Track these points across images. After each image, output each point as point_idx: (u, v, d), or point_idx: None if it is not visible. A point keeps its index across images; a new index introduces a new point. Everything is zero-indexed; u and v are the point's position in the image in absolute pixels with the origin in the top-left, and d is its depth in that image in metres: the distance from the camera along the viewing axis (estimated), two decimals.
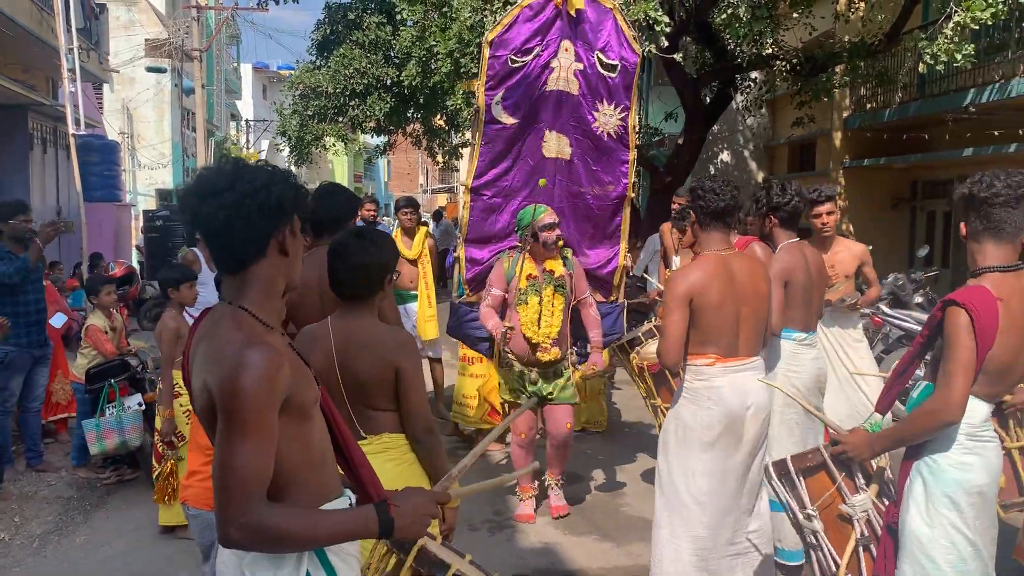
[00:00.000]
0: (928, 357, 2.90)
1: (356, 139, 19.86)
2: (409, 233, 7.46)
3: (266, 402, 1.76)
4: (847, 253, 5.50)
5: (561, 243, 5.08)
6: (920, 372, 3.05)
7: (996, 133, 11.13)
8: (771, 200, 4.42)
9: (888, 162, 13.76)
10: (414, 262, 7.39)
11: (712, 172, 18.48)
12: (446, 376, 7.76)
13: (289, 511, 1.82)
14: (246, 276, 1.92)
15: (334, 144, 18.28)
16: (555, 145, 5.34)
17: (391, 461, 2.88)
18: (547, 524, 5.27)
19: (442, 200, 57.89)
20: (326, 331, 2.94)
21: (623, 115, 5.33)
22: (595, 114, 5.30)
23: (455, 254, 5.55)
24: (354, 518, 1.91)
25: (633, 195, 5.54)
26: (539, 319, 5.05)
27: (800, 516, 3.11)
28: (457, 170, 34.98)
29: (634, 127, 5.42)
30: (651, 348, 5.24)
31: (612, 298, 5.66)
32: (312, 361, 2.21)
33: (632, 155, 5.40)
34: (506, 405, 5.48)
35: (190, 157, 30.65)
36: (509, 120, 5.22)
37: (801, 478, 3.16)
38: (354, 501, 2.11)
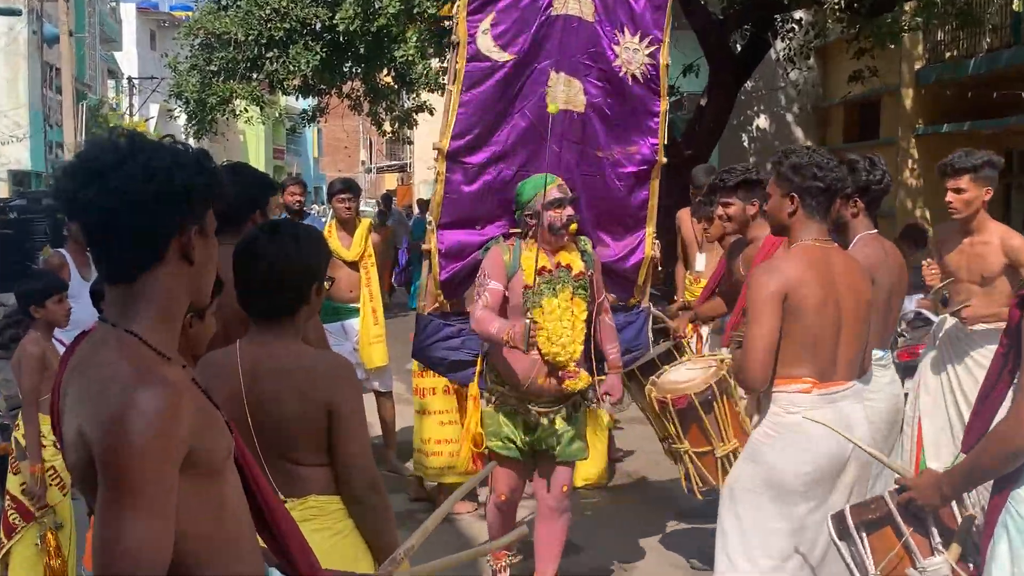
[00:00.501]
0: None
1: (276, 102, 19.84)
2: (347, 226, 7.49)
3: (162, 458, 1.74)
4: (989, 245, 5.38)
5: (574, 227, 4.84)
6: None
7: None
8: (858, 178, 4.49)
9: (973, 127, 13.91)
10: (354, 265, 7.38)
11: (745, 142, 18.66)
12: (399, 416, 7.76)
13: None
14: (137, 288, 1.89)
15: (246, 109, 18.19)
16: (563, 92, 5.13)
17: (321, 531, 2.85)
18: None
19: (391, 182, 57.91)
20: (232, 360, 2.91)
21: (652, 50, 5.22)
22: (616, 48, 5.17)
23: (426, 246, 5.20)
24: None
25: (665, 160, 5.46)
26: (561, 331, 4.76)
27: None
28: (410, 142, 34.94)
29: (666, 66, 5.31)
30: (675, 376, 5.23)
31: (634, 300, 5.54)
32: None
33: (664, 105, 5.31)
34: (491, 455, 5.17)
35: (54, 128, 30.37)
36: (501, 56, 5.01)
37: (863, 534, 3.19)
38: None
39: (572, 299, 4.79)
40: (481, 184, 5.13)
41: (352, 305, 7.42)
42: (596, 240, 5.29)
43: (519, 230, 4.99)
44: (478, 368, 5.13)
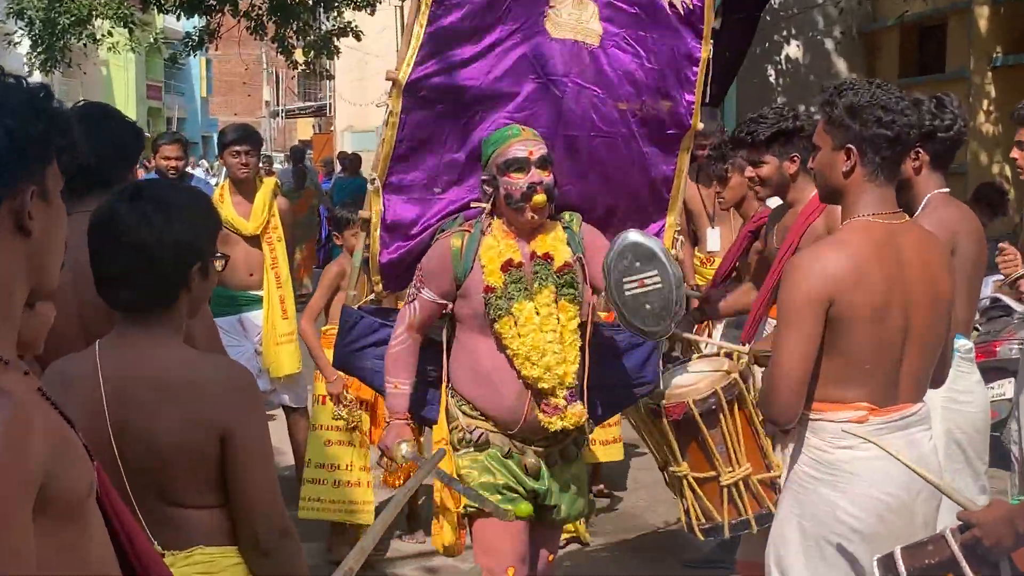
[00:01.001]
0: None
1: (150, 23, 19.68)
2: (245, 189, 7.49)
3: (8, 496, 1.73)
4: None
5: (541, 199, 4.48)
6: None
7: None
8: (921, 121, 4.48)
9: None
10: (255, 240, 7.37)
11: (772, 77, 18.73)
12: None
13: None
14: None
15: (110, 32, 18.07)
16: (572, 16, 4.92)
17: None
18: None
19: (305, 130, 57.77)
20: (89, 369, 2.88)
21: None
22: None
23: (364, 213, 4.96)
24: None
25: (701, 127, 5.33)
26: (542, 346, 4.51)
27: None
28: (330, 77, 34.93)
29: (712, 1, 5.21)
30: (679, 379, 5.25)
31: None
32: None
33: (706, 52, 5.15)
34: (467, 518, 4.83)
35: None
36: None
37: None
38: None
39: (556, 302, 4.57)
40: (449, 132, 4.94)
41: (253, 293, 7.42)
42: (605, 229, 4.97)
43: (484, 205, 4.73)
44: (443, 398, 4.80)
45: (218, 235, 3.07)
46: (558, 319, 4.55)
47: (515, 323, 4.49)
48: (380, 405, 6.63)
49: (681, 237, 5.46)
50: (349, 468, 6.73)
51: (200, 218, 2.99)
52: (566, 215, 4.81)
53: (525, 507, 4.57)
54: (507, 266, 4.52)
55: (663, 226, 5.21)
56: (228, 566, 2.89)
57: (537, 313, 4.51)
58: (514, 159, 4.50)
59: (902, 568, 3.20)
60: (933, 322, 3.65)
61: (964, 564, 3.14)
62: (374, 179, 4.92)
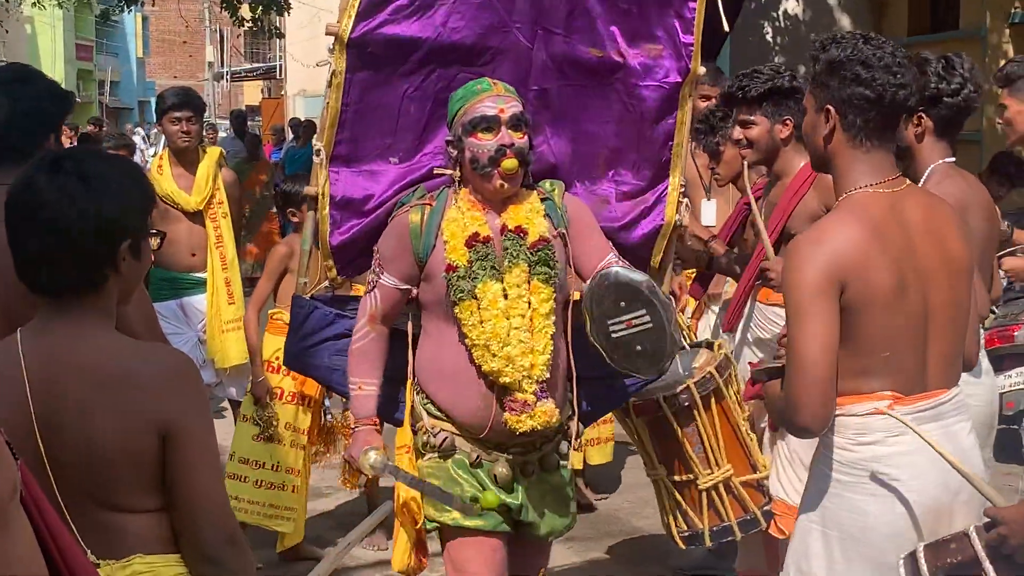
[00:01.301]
0: None
1: None
2: (186, 159, 7.49)
3: None
4: None
5: (512, 164, 4.28)
6: None
7: None
8: (926, 83, 4.49)
9: None
10: (199, 215, 7.35)
11: (769, 35, 18.77)
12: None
13: None
14: None
15: None
16: None
17: None
18: None
19: (253, 95, 57.53)
20: (11, 360, 2.85)
21: None
22: None
23: (311, 189, 4.81)
24: None
25: (703, 71, 4.99)
26: (506, 334, 4.31)
27: None
28: (280, 35, 34.94)
29: None
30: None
31: None
32: None
33: None
34: (433, 531, 4.60)
35: None
36: None
37: None
38: None
39: (528, 282, 4.37)
40: (404, 91, 4.74)
41: (196, 275, 7.43)
42: (588, 195, 4.86)
43: (449, 172, 4.54)
44: (408, 396, 4.62)
45: (152, 210, 3.03)
46: (529, 302, 4.34)
47: (478, 307, 4.30)
48: (315, 402, 6.74)
49: (686, 200, 4.94)
50: (275, 468, 6.68)
51: (129, 191, 2.93)
52: (547, 183, 4.62)
53: (491, 497, 4.35)
54: (472, 241, 4.33)
55: (665, 189, 4.89)
56: None
57: (505, 296, 4.31)
58: (482, 117, 4.29)
59: (924, 567, 3.21)
60: (953, 294, 3.56)
61: (988, 565, 3.14)
62: (319, 150, 4.73)
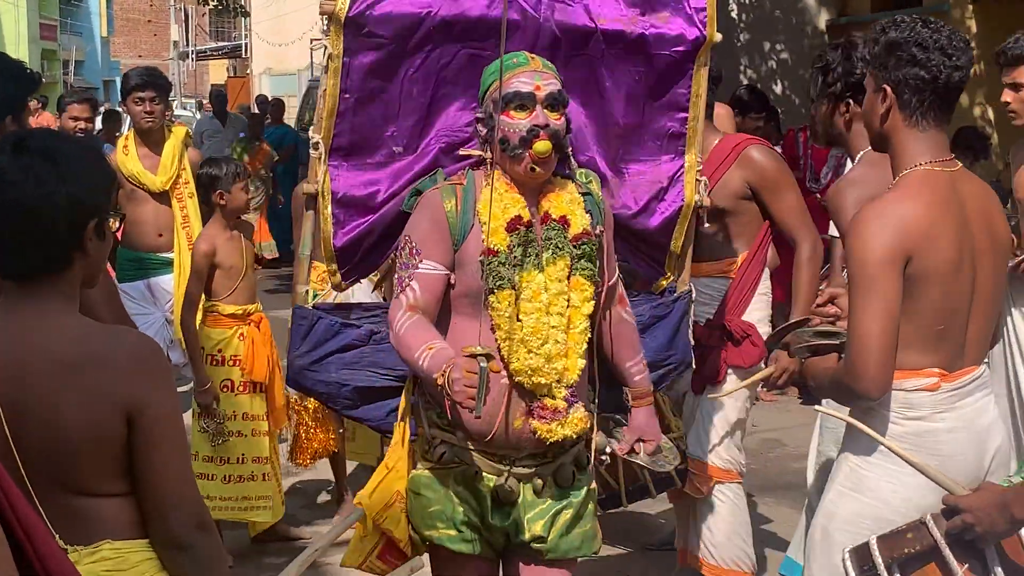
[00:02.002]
0: None
1: None
2: (151, 140, 7.51)
3: None
4: None
5: (546, 147, 3.92)
6: None
7: None
8: (850, 68, 4.47)
9: None
10: (165, 196, 7.30)
11: (733, 11, 18.76)
12: None
13: None
14: None
15: None
16: None
17: None
18: None
19: (219, 74, 57.39)
20: None
21: None
22: None
23: (309, 187, 4.45)
24: None
25: (719, 38, 4.67)
26: (546, 331, 3.95)
27: None
28: (246, 14, 34.67)
29: None
30: None
31: (666, 281, 4.85)
32: None
33: None
34: (425, 549, 4.30)
35: None
36: None
37: (897, 575, 3.24)
38: None
39: (569, 278, 4.01)
40: (405, 73, 4.39)
41: (163, 255, 7.46)
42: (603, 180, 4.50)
43: (477, 152, 4.19)
44: (403, 401, 4.28)
45: (115, 189, 3.04)
46: (570, 299, 3.98)
47: (516, 298, 3.91)
48: (275, 388, 6.68)
49: (705, 179, 4.67)
50: (241, 460, 6.60)
51: (93, 171, 2.92)
52: (582, 174, 4.22)
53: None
54: (514, 224, 3.94)
55: (680, 169, 4.62)
56: (138, 561, 2.84)
57: (546, 289, 3.94)
58: (515, 94, 3.92)
59: (879, 559, 3.21)
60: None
61: (948, 552, 3.15)
62: (316, 143, 4.37)
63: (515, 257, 3.89)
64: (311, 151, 4.39)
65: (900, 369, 3.50)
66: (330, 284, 4.63)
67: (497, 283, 3.86)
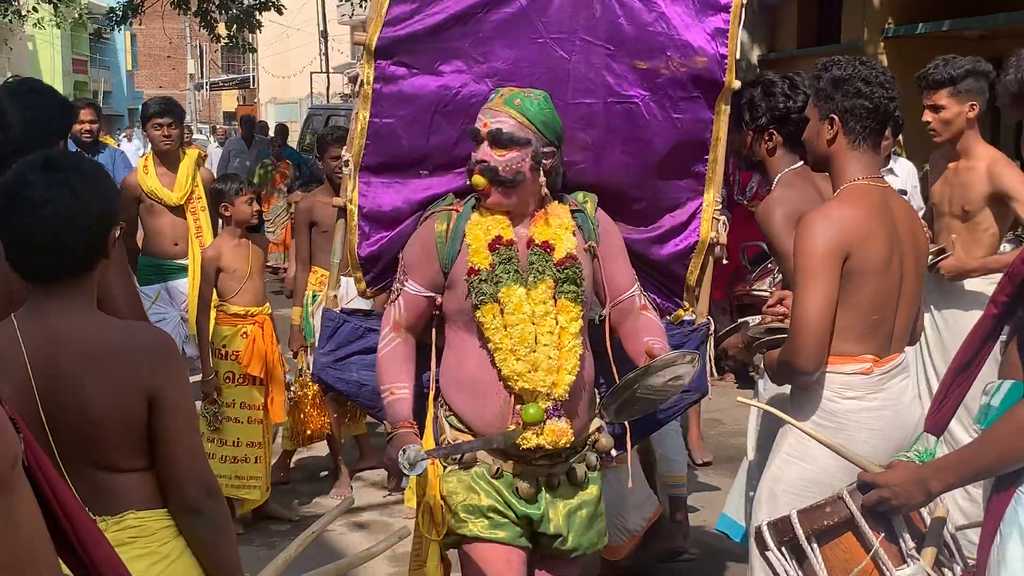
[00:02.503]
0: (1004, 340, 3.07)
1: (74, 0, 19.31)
2: (168, 160, 7.50)
3: None
4: (974, 171, 5.56)
5: (479, 182, 3.72)
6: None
7: None
8: (774, 104, 4.51)
9: (955, 28, 14.20)
10: (180, 209, 7.38)
11: None
12: None
13: None
14: None
15: (35, 8, 17.73)
16: None
17: (143, 558, 2.80)
18: None
19: (230, 102, 57.07)
20: (12, 342, 2.79)
21: None
22: None
23: (340, 200, 4.27)
24: None
25: (740, 83, 4.21)
26: (534, 341, 3.71)
27: None
28: (253, 49, 34.43)
29: None
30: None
31: (683, 313, 4.31)
32: None
33: None
34: (452, 546, 4.02)
35: None
36: None
37: (815, 545, 3.21)
38: None
39: (554, 299, 3.73)
40: (435, 105, 4.08)
41: (178, 262, 7.47)
42: (624, 215, 4.14)
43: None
44: (429, 408, 4.01)
45: (118, 205, 3.03)
46: (556, 320, 3.71)
47: (501, 312, 3.68)
48: (273, 379, 6.62)
49: (724, 217, 4.24)
50: (236, 444, 6.57)
51: (111, 185, 2.96)
52: (580, 195, 3.95)
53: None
54: (495, 244, 3.72)
55: (699, 206, 4.18)
56: (159, 529, 2.85)
57: (530, 302, 3.70)
58: (472, 129, 3.77)
59: (799, 531, 3.22)
60: (918, 276, 3.83)
61: (863, 523, 3.16)
62: (347, 160, 4.18)
63: (496, 275, 3.68)
64: (343, 168, 4.22)
65: (841, 355, 3.65)
66: (356, 289, 4.39)
67: (480, 299, 3.67)
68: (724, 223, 4.19)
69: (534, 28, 3.98)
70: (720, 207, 4.22)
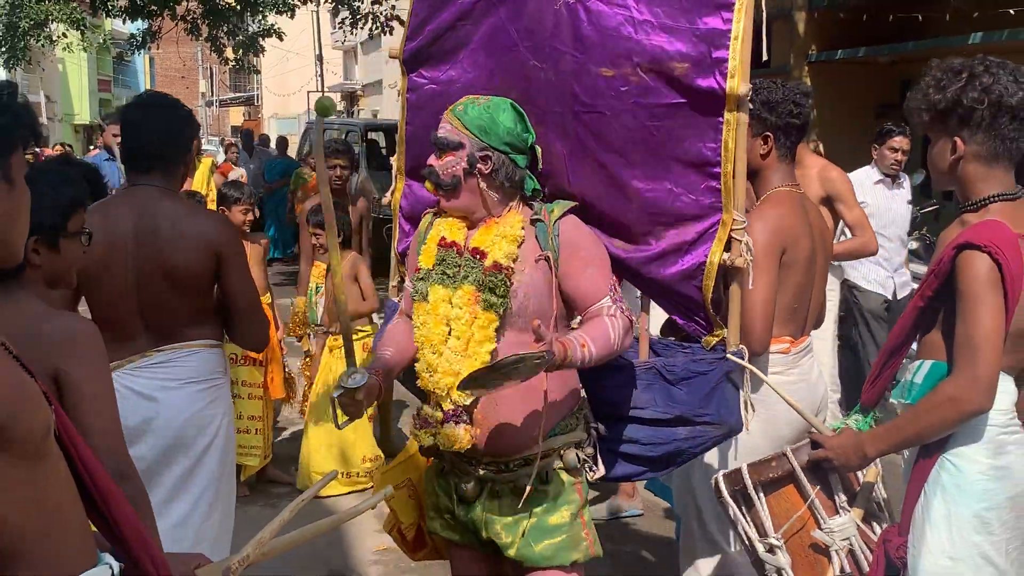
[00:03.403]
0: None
1: (99, 26, 19.14)
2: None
3: None
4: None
5: (428, 187, 3.38)
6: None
7: (1012, 12, 11.64)
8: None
9: (869, 54, 14.28)
10: None
11: None
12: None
13: None
14: None
15: (64, 34, 17.55)
16: None
17: None
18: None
19: (236, 117, 56.90)
20: None
21: None
22: None
23: (387, 198, 4.13)
24: None
25: (747, 90, 3.18)
26: (443, 343, 3.28)
27: (760, 548, 3.18)
28: (257, 71, 34.27)
29: None
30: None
31: (713, 339, 3.45)
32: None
33: None
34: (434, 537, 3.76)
35: None
36: None
37: (761, 494, 3.23)
38: (117, 572, 2.05)
39: (473, 306, 3.22)
40: (437, 111, 3.59)
41: None
42: (612, 229, 3.50)
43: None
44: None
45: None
46: (473, 323, 3.22)
47: (425, 310, 3.33)
48: (273, 360, 6.62)
49: (747, 240, 3.28)
50: (239, 417, 6.39)
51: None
52: (556, 204, 3.33)
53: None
54: (442, 244, 3.34)
55: (710, 226, 3.28)
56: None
57: (450, 303, 3.25)
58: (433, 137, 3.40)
59: (748, 481, 3.22)
60: (824, 270, 3.94)
61: (802, 476, 3.19)
62: (392, 165, 4.04)
63: (432, 273, 3.32)
64: (395, 173, 4.12)
65: (772, 336, 3.70)
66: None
67: (414, 296, 3.37)
68: (748, 245, 3.28)
69: (510, 37, 3.57)
70: (741, 225, 3.27)
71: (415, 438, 3.37)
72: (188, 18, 18.69)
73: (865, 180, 7.33)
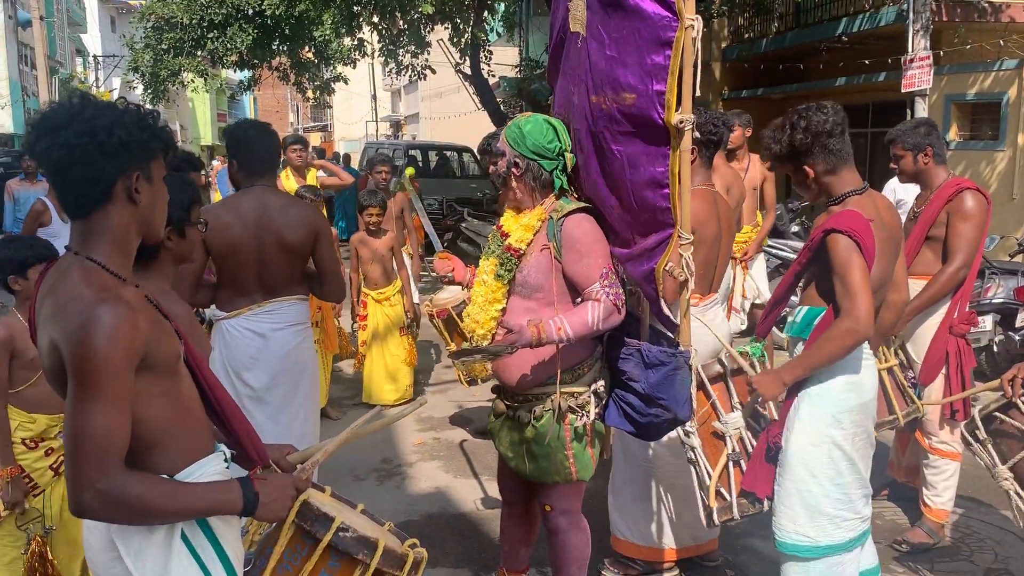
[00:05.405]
0: (803, 283, 3.11)
1: (217, 75, 19.01)
2: (300, 172, 7.60)
3: (120, 364, 1.70)
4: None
5: (496, 176, 3.16)
6: (795, 298, 3.21)
7: (866, 62, 11.63)
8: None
9: (765, 93, 14.23)
10: None
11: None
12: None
13: (150, 481, 1.77)
14: (92, 223, 1.82)
15: (192, 80, 17.45)
16: (576, 4, 3.03)
17: None
18: (437, 468, 5.28)
19: (315, 139, 56.57)
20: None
21: None
22: None
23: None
24: (217, 493, 1.85)
25: (676, 120, 2.59)
26: (480, 296, 3.18)
27: (680, 433, 3.16)
28: (330, 106, 33.75)
29: None
30: (445, 295, 4.63)
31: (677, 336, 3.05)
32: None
33: (680, 33, 2.53)
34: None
35: (31, 97, 28.70)
36: None
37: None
38: (229, 456, 2.06)
39: (494, 273, 3.12)
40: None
41: None
42: (614, 231, 3.01)
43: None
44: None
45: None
46: (492, 289, 3.12)
47: (479, 274, 3.22)
48: (328, 321, 6.06)
49: (687, 256, 2.76)
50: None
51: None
52: (566, 204, 3.04)
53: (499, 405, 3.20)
54: (497, 227, 3.22)
55: (666, 237, 2.76)
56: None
57: (483, 271, 3.17)
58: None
59: (703, 375, 3.20)
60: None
61: (708, 384, 3.21)
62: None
63: (490, 247, 3.18)
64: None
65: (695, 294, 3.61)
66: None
67: (477, 262, 3.28)
68: (688, 263, 2.75)
69: (563, 68, 3.24)
70: (688, 240, 2.75)
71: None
72: (281, 69, 18.63)
73: None
